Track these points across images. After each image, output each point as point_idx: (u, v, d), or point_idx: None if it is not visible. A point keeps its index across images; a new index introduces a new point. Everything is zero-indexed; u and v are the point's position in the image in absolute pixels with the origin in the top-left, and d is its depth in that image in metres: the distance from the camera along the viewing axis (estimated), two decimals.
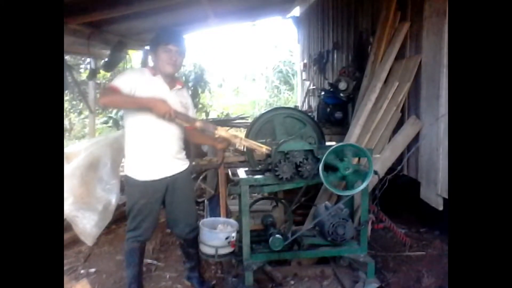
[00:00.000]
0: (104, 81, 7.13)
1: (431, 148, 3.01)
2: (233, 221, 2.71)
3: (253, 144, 2.48)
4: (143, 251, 2.72)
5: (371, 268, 2.49)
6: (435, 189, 2.96)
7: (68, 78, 5.89)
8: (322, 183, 3.33)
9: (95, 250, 3.75)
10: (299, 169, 2.43)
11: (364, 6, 4.49)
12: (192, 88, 8.44)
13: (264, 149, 2.48)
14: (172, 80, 2.55)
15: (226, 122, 5.97)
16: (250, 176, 2.55)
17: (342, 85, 4.31)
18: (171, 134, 2.53)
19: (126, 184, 2.61)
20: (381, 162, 3.09)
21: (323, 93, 4.76)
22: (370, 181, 2.44)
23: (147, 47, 2.57)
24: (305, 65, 7.19)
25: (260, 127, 2.65)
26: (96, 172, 4.10)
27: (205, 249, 2.52)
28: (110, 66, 5.92)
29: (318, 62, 5.92)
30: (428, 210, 3.18)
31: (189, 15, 5.73)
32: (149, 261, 3.38)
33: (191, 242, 2.76)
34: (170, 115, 2.31)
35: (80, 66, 7.39)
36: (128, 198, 2.62)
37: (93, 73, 5.56)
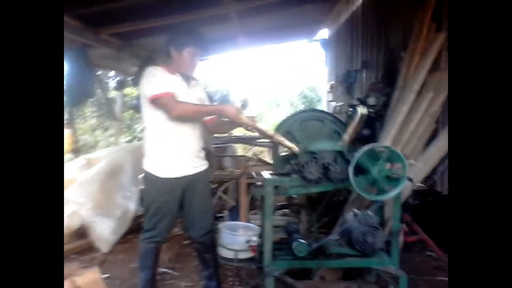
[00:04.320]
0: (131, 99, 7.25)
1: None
2: (254, 226, 2.57)
3: (285, 141, 2.36)
4: (158, 253, 2.60)
5: (404, 282, 2.28)
6: None
7: (97, 90, 6.02)
8: (348, 193, 3.21)
9: (110, 257, 3.64)
10: (328, 171, 2.29)
11: (395, 22, 4.41)
12: None
13: (294, 148, 2.36)
14: (188, 77, 2.52)
15: (250, 140, 5.88)
16: (275, 177, 2.42)
17: (371, 101, 4.17)
18: (193, 132, 2.49)
19: (146, 182, 2.53)
20: (414, 174, 2.91)
21: (350, 109, 4.63)
22: (402, 191, 2.28)
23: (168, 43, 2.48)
24: (331, 86, 7.11)
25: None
26: (117, 179, 4.07)
27: (224, 253, 2.38)
28: (139, 81, 6.01)
29: (345, 82, 5.82)
30: None
31: (219, 32, 5.81)
32: (164, 269, 3.25)
33: (207, 247, 2.62)
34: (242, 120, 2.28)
35: (108, 83, 7.55)
36: (146, 196, 2.53)
37: (121, 84, 5.64)
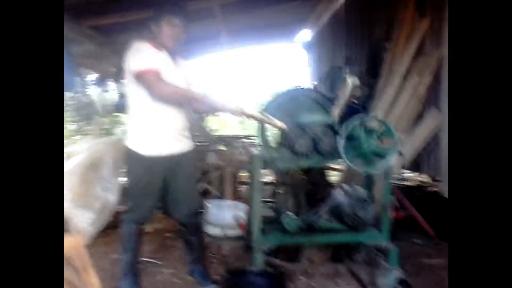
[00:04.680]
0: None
1: None
2: (241, 204, 2.50)
3: (274, 120, 2.31)
4: (141, 234, 2.50)
5: (394, 255, 2.24)
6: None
7: (77, 87, 5.89)
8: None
9: (90, 250, 3.46)
10: (317, 143, 2.25)
11: (378, 16, 4.47)
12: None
13: (283, 126, 2.31)
14: (173, 54, 2.43)
15: (234, 139, 5.82)
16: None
17: (356, 92, 4.20)
18: (178, 109, 2.40)
19: (128, 160, 2.42)
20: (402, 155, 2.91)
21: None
22: (393, 166, 2.26)
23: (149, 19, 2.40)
24: (314, 86, 7.14)
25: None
26: (97, 172, 3.94)
27: (212, 231, 2.31)
28: (120, 77, 5.93)
29: (328, 79, 5.85)
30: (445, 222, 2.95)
31: (203, 30, 5.77)
32: (147, 259, 3.12)
33: (193, 229, 2.53)
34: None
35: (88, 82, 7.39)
36: (129, 175, 2.43)
37: (101, 80, 5.56)
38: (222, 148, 4.87)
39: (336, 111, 2.30)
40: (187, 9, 2.45)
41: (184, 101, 2.39)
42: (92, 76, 7.12)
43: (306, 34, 8.05)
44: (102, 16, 4.52)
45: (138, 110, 2.37)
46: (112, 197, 3.84)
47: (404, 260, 2.97)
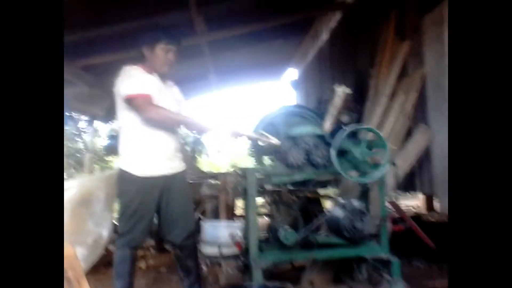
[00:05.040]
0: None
1: (444, 155, 2.86)
2: (237, 222, 2.46)
3: (264, 136, 2.33)
4: (135, 260, 2.42)
5: (397, 267, 2.18)
6: None
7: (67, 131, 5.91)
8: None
9: None
10: (310, 155, 2.26)
11: (362, 46, 4.65)
12: (190, 152, 8.42)
13: (276, 142, 2.33)
14: (164, 77, 2.49)
15: (225, 174, 5.80)
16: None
17: (345, 118, 4.27)
18: (170, 131, 2.41)
19: (121, 181, 2.39)
20: (394, 172, 2.92)
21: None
22: (387, 178, 2.27)
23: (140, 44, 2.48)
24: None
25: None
26: (89, 207, 3.87)
27: (208, 250, 2.24)
28: (108, 117, 5.98)
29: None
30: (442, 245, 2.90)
31: (192, 69, 5.90)
32: None
33: (188, 252, 2.45)
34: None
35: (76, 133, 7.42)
36: (122, 197, 2.39)
37: (92, 121, 5.60)
38: (215, 181, 4.85)
39: (329, 123, 2.33)
40: (180, 35, 2.53)
41: (174, 123, 2.41)
42: (83, 121, 7.16)
43: (292, 72, 8.30)
44: (92, 56, 4.62)
45: (130, 133, 2.38)
46: (105, 232, 3.75)
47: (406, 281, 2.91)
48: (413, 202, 7.29)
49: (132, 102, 2.27)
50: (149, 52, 2.41)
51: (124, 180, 2.36)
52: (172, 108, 2.40)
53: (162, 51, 2.39)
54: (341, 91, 2.28)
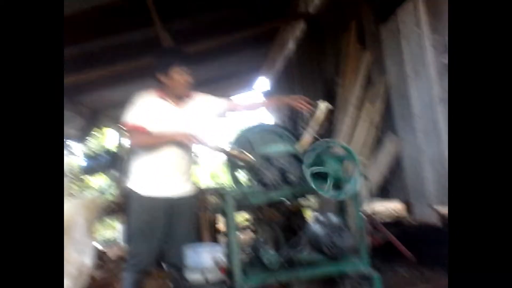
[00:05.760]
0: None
1: (413, 162, 2.98)
2: (219, 246, 2.48)
3: (242, 153, 2.37)
4: (140, 283, 2.44)
5: (377, 281, 2.26)
6: (427, 201, 2.87)
7: None
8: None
9: None
10: (285, 174, 2.31)
11: (327, 53, 4.77)
12: None
13: (251, 159, 2.37)
14: (181, 97, 2.46)
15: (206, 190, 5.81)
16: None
17: (321, 131, 4.36)
18: (178, 154, 2.42)
19: (129, 200, 2.46)
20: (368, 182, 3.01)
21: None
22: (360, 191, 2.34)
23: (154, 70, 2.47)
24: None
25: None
26: (68, 234, 3.80)
27: (192, 276, 2.24)
28: (82, 137, 5.89)
29: (289, 121, 6.07)
30: (426, 250, 2.98)
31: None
32: None
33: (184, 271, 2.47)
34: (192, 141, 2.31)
35: None
36: (129, 216, 2.47)
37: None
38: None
39: (309, 139, 2.39)
40: (190, 54, 2.53)
41: (162, 144, 2.39)
42: None
43: (264, 82, 8.37)
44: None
45: (137, 153, 2.45)
46: (87, 259, 3.70)
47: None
48: (393, 205, 7.38)
49: (126, 129, 2.41)
50: (165, 78, 2.38)
51: (131, 199, 2.43)
52: (184, 127, 2.41)
53: (177, 74, 2.36)
54: (324, 107, 2.34)
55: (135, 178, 2.44)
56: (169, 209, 2.40)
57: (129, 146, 2.44)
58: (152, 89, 2.43)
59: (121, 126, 2.45)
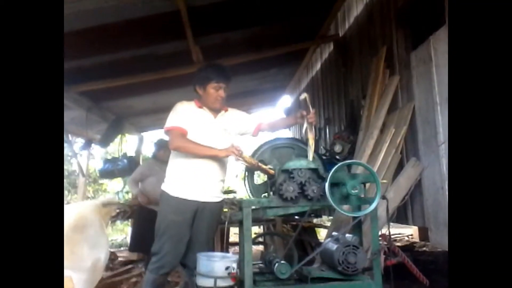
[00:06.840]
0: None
1: (435, 189, 2.94)
2: (232, 254, 2.48)
3: (263, 166, 2.42)
4: (161, 285, 2.52)
5: None
6: (446, 231, 2.81)
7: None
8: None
9: None
10: (304, 188, 2.32)
11: (353, 77, 4.79)
12: None
13: (270, 171, 2.41)
14: (217, 110, 2.62)
15: None
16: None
17: (337, 148, 4.35)
18: (212, 162, 2.55)
19: (161, 200, 2.60)
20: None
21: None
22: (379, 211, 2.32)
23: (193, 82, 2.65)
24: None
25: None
26: (83, 232, 3.87)
27: (203, 282, 2.25)
28: (105, 142, 6.00)
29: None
30: (440, 276, 2.92)
31: (189, 96, 5.98)
32: None
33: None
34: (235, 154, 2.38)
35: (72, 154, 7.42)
36: (159, 215, 2.57)
37: (87, 144, 5.64)
38: None
39: (311, 153, 2.43)
40: (228, 70, 2.65)
41: (198, 154, 2.50)
42: (78, 143, 7.18)
43: (287, 99, 8.43)
44: (90, 82, 4.70)
45: (174, 158, 2.60)
46: (102, 254, 3.78)
47: None
48: (407, 231, 7.32)
49: (167, 133, 2.55)
50: (202, 90, 2.56)
51: (162, 199, 2.57)
52: (217, 137, 2.57)
53: (213, 89, 2.53)
54: (304, 97, 2.44)
55: (167, 180, 2.57)
56: (195, 212, 2.52)
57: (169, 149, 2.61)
58: (193, 100, 2.61)
59: (163, 130, 2.58)
